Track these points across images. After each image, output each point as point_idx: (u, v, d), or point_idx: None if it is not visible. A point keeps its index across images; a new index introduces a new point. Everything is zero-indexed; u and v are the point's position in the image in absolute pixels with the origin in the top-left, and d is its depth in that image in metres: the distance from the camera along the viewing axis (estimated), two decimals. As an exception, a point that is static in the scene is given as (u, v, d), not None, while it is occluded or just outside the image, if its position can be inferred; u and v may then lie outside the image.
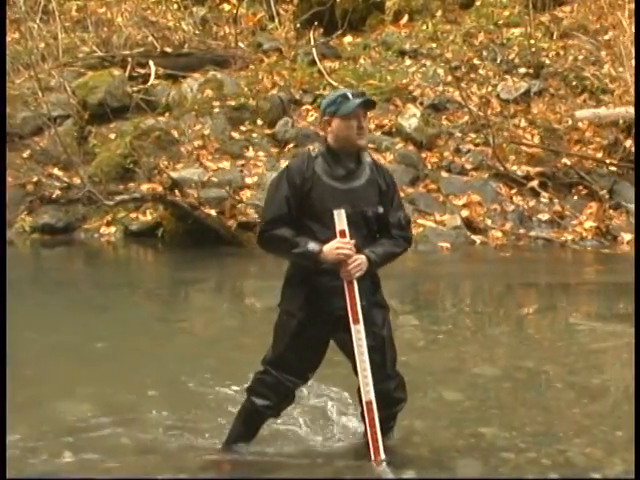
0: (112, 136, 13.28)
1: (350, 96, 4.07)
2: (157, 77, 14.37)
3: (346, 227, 4.00)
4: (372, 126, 13.19)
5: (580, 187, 12.45)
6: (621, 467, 4.25)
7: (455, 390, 5.43)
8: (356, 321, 4.00)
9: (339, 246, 3.95)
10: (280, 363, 4.14)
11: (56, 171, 12.93)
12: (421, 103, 13.69)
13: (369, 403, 4.04)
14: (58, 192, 12.56)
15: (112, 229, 12.36)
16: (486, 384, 5.65)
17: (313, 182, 4.04)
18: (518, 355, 6.54)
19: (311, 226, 4.03)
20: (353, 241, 3.98)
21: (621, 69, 13.69)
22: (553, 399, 5.37)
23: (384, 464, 4.06)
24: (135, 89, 14.04)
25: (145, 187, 12.24)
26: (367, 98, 4.14)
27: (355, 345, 4.01)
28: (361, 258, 4.00)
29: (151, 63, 14.45)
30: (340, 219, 3.99)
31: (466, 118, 13.43)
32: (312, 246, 3.96)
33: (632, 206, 12.06)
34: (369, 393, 4.03)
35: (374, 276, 4.18)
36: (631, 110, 12.57)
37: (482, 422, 4.83)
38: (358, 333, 4.01)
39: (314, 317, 4.08)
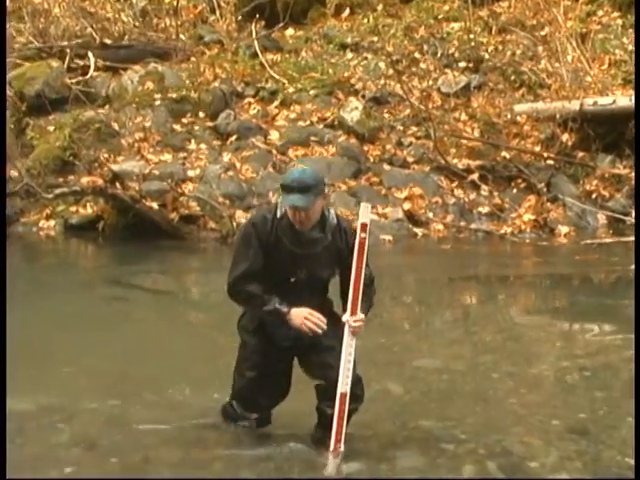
0: (51, 128, 13.06)
1: (287, 189, 4.12)
2: (97, 69, 14.16)
3: (368, 221, 4.17)
4: (314, 119, 13.23)
5: (519, 180, 12.63)
6: (557, 455, 4.37)
7: (397, 382, 5.51)
8: (353, 313, 4.15)
9: (308, 317, 4.14)
10: (240, 398, 4.40)
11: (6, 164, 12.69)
12: (363, 96, 13.74)
13: (343, 395, 4.14)
14: (-6, 185, 12.33)
15: (51, 222, 12.17)
16: (427, 376, 5.74)
17: (275, 244, 4.19)
18: (457, 347, 6.66)
19: (266, 284, 4.18)
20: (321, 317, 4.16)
21: (557, 64, 13.93)
22: (491, 390, 5.48)
23: (339, 457, 4.15)
24: (74, 81, 13.82)
25: (85, 180, 12.06)
26: (292, 204, 4.11)
27: (345, 333, 4.14)
28: (363, 318, 4.18)
29: (90, 55, 14.24)
30: (365, 212, 4.17)
31: (407, 111, 13.51)
32: (281, 306, 4.15)
33: (569, 199, 12.31)
34: (347, 385, 4.14)
35: (325, 308, 4.31)
36: (567, 105, 12.81)
37: (423, 414, 4.92)
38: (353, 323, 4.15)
39: (265, 349, 4.27)
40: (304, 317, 4.14)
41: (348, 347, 4.15)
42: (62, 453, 4.38)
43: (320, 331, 4.15)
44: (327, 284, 4.36)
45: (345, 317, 4.17)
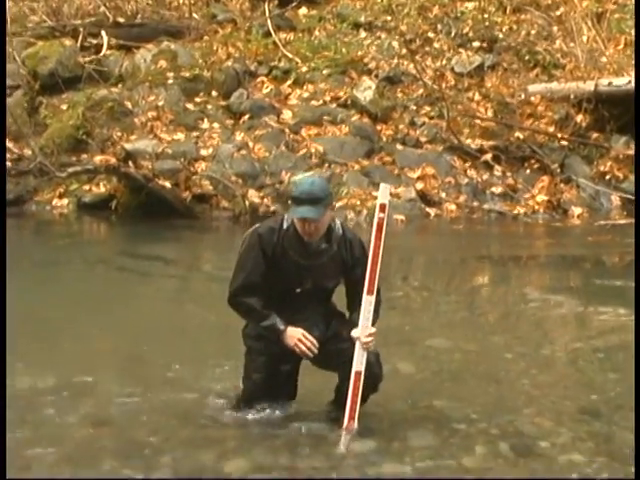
0: (64, 107, 13.09)
1: (297, 200, 4.13)
2: (110, 47, 14.14)
3: (387, 202, 4.20)
4: (327, 98, 13.20)
5: (532, 161, 12.58)
6: (569, 435, 4.37)
7: (409, 362, 5.51)
8: (370, 292, 4.17)
9: (301, 340, 4.19)
10: (248, 401, 4.42)
11: (6, 142, 12.71)
12: (376, 76, 13.69)
13: (358, 373, 4.19)
14: (8, 164, 12.35)
15: (64, 201, 12.21)
16: (438, 356, 5.74)
17: (281, 256, 4.22)
18: (469, 327, 6.66)
19: (272, 294, 4.23)
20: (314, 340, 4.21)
21: (572, 44, 13.83)
22: (503, 370, 5.49)
23: (351, 434, 4.18)
24: (87, 59, 13.82)
25: (98, 158, 12.10)
26: (303, 215, 4.12)
27: (357, 349, 4.17)
28: (374, 332, 4.22)
29: (103, 33, 14.22)
30: (384, 193, 4.21)
31: (421, 91, 13.46)
32: (278, 323, 4.20)
33: (582, 180, 12.25)
34: (361, 364, 4.19)
35: (329, 311, 4.39)
36: (582, 85, 12.72)
37: (435, 394, 4.93)
38: (369, 305, 4.18)
39: (271, 352, 4.29)
40: (298, 339, 4.19)
41: (359, 364, 4.18)
42: (73, 431, 4.39)
43: (311, 355, 4.22)
44: (332, 293, 4.41)
45: (356, 333, 4.20)
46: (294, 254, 4.22)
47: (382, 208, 4.19)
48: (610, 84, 12.66)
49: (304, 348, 4.20)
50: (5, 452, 3.35)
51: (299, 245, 4.21)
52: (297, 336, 4.19)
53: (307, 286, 4.26)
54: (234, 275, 4.31)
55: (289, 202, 4.32)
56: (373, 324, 4.24)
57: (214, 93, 13.37)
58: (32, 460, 4.05)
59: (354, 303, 4.29)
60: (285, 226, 4.24)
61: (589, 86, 12.71)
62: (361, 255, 4.29)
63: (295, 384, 4.46)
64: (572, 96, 12.73)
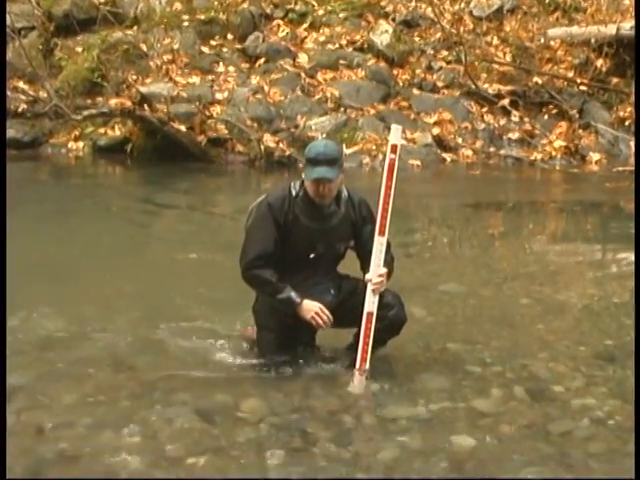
0: (79, 49, 13.03)
1: (313, 161, 4.14)
2: (124, -12, 14.03)
3: (399, 143, 4.20)
4: (344, 42, 13.07)
5: (550, 106, 12.47)
6: (583, 380, 4.39)
7: (422, 307, 5.51)
8: (381, 233, 4.19)
9: (318, 313, 4.19)
10: (268, 354, 4.42)
11: (21, 84, 12.68)
12: (393, 19, 13.52)
13: (370, 314, 4.21)
14: (24, 106, 12.33)
15: (80, 144, 12.21)
16: (452, 300, 5.75)
17: (293, 222, 4.22)
18: (485, 272, 6.65)
19: (283, 261, 4.23)
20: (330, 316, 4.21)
21: (594, -13, 13.59)
22: (518, 315, 5.49)
23: (364, 375, 4.23)
24: (102, 1, 13.70)
25: (113, 102, 12.07)
26: (322, 175, 4.12)
27: (368, 292, 4.20)
28: (385, 273, 4.23)
29: (118, -26, 14.09)
30: (396, 134, 4.22)
31: (438, 35, 13.31)
32: (294, 296, 4.19)
33: (601, 126, 12.12)
34: (373, 305, 4.22)
35: (338, 275, 4.42)
36: (603, 29, 12.52)
37: (449, 337, 4.94)
38: (380, 245, 4.20)
39: (281, 327, 4.32)
40: (315, 312, 4.20)
41: (370, 305, 4.20)
42: (89, 371, 4.41)
43: (327, 327, 4.24)
44: (342, 258, 4.42)
45: (368, 276, 4.22)
46: (305, 219, 4.23)
47: (393, 149, 4.20)
48: (632, 28, 12.45)
49: (320, 322, 4.21)
50: (5, 451, 3.37)
51: (311, 209, 4.23)
52: (314, 309, 4.20)
53: (320, 251, 4.27)
54: (245, 248, 4.31)
55: (302, 166, 4.33)
56: (389, 272, 4.26)
57: (230, 36, 13.26)
58: (52, 399, 4.09)
59: (366, 262, 4.28)
60: (294, 193, 4.25)
61: (610, 30, 12.52)
62: (368, 214, 4.33)
63: (313, 348, 4.47)
64: (593, 40, 12.56)
